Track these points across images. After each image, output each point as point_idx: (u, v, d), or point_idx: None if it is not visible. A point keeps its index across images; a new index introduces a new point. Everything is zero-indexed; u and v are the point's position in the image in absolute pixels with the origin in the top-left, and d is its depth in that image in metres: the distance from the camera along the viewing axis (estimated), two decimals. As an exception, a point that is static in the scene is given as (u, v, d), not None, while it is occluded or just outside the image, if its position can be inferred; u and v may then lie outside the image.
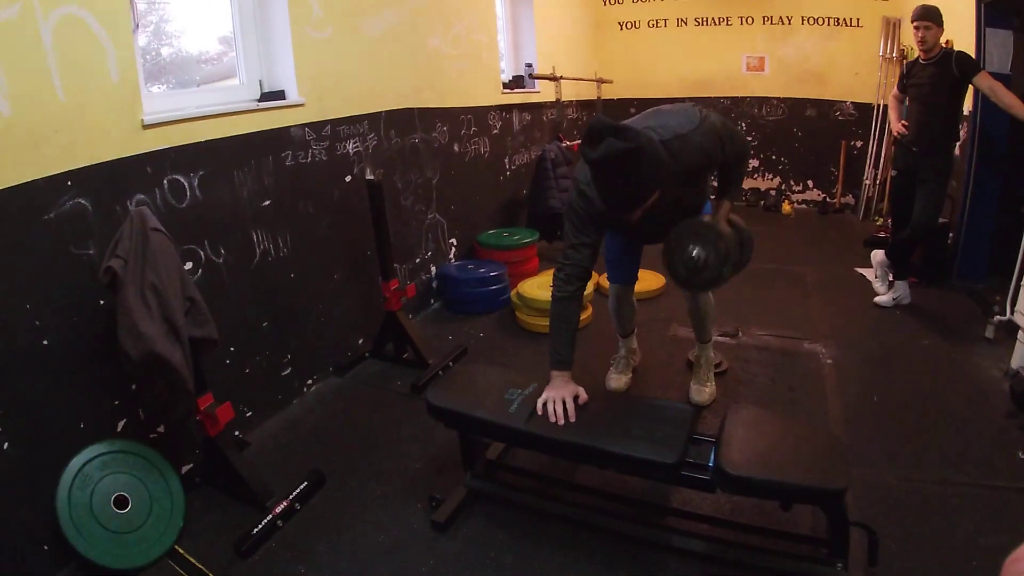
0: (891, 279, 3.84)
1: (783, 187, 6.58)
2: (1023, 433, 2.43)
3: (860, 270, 4.34)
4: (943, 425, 2.54)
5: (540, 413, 1.83)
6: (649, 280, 4.00)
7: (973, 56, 3.72)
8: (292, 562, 1.93)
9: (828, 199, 6.35)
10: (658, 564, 1.86)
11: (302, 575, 1.88)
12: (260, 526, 2.02)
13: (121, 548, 1.90)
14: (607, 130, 1.58)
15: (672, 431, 1.71)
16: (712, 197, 2.28)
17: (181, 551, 1.99)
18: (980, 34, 3.81)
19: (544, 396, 1.86)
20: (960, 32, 3.95)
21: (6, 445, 1.77)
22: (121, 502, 1.95)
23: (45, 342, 1.87)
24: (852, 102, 5.93)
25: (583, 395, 1.89)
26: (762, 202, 6.49)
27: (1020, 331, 2.84)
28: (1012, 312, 3.19)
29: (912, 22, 3.42)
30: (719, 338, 3.35)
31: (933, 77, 3.40)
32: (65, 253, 1.92)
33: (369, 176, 2.91)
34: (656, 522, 1.96)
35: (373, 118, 3.25)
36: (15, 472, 1.79)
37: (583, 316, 3.54)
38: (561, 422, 1.79)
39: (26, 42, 1.75)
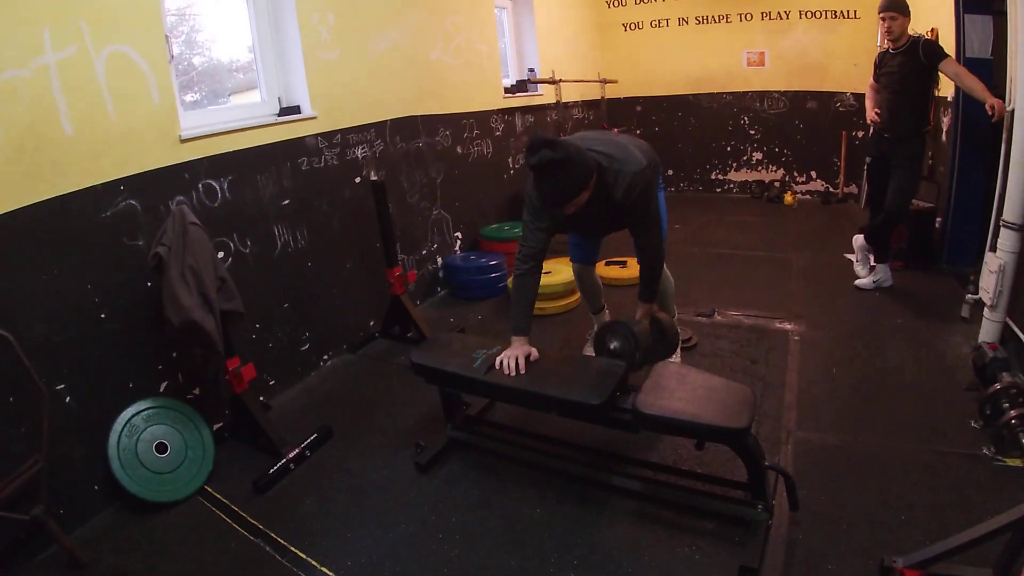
0: (872, 263, 4.01)
1: (786, 178, 6.74)
2: (980, 404, 2.51)
3: (848, 256, 4.52)
4: (900, 395, 2.71)
5: (497, 368, 2.20)
6: (636, 267, 4.29)
7: (953, 43, 3.85)
8: (300, 496, 2.36)
9: (831, 189, 6.49)
10: (601, 500, 2.19)
11: (307, 504, 2.30)
12: (275, 468, 2.46)
13: (160, 485, 2.35)
14: (544, 143, 2.00)
15: (602, 380, 2.04)
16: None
17: (210, 489, 2.43)
18: (959, 20, 3.88)
19: (502, 355, 2.23)
20: (940, 19, 4.08)
21: (68, 399, 2.22)
22: (161, 448, 2.39)
23: (102, 315, 2.33)
24: (852, 93, 6.03)
25: (535, 354, 2.25)
26: (765, 194, 6.67)
27: (986, 307, 3.01)
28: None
29: (879, 13, 3.55)
30: (695, 318, 3.64)
31: (902, 66, 3.53)
32: (119, 244, 2.39)
33: (373, 177, 3.31)
34: (602, 465, 2.29)
35: (379, 126, 3.67)
36: (74, 422, 2.24)
37: (570, 300, 3.87)
38: (513, 374, 2.15)
39: (83, 74, 2.21)
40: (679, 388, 2.01)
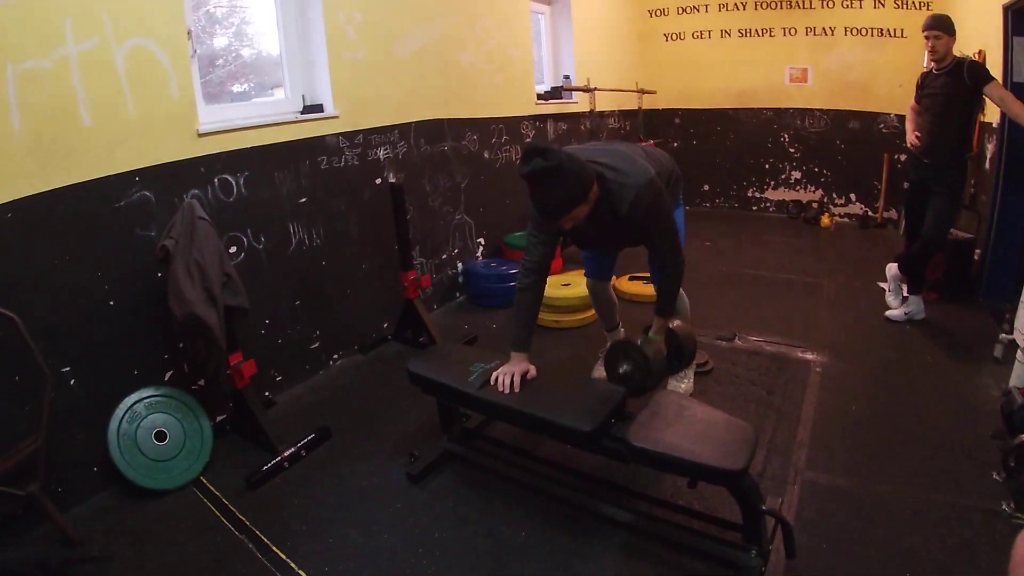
0: (905, 293, 3.83)
1: (824, 199, 6.52)
2: (1003, 455, 2.32)
3: (881, 284, 4.33)
4: (920, 439, 2.55)
5: (492, 384, 2.14)
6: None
7: (1000, 66, 3.67)
8: (290, 495, 2.36)
9: (870, 213, 6.24)
10: (590, 529, 2.10)
11: (296, 504, 2.30)
12: (269, 465, 2.46)
13: (156, 473, 2.38)
14: (537, 151, 1.91)
15: (597, 405, 1.96)
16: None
17: (204, 481, 2.46)
18: (1007, 43, 3.70)
19: (499, 370, 2.18)
20: (987, 41, 3.90)
21: (73, 382, 2.28)
22: (160, 436, 2.43)
23: (111, 303, 2.38)
24: (896, 114, 5.77)
25: (533, 372, 2.19)
26: (802, 214, 6.46)
27: (1019, 350, 2.83)
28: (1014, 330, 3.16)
29: (922, 32, 3.37)
30: (714, 341, 3.52)
31: (945, 87, 3.35)
32: (132, 234, 2.43)
33: (391, 179, 3.29)
34: (594, 493, 2.20)
35: (403, 128, 3.66)
36: (77, 405, 2.29)
37: (587, 314, 3.79)
38: (507, 391, 2.10)
39: (103, 66, 2.26)
40: (676, 421, 1.92)
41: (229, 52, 3.13)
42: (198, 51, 2.95)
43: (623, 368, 2.37)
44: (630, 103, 6.43)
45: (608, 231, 2.25)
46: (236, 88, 3.20)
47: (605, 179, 2.08)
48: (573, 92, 5.34)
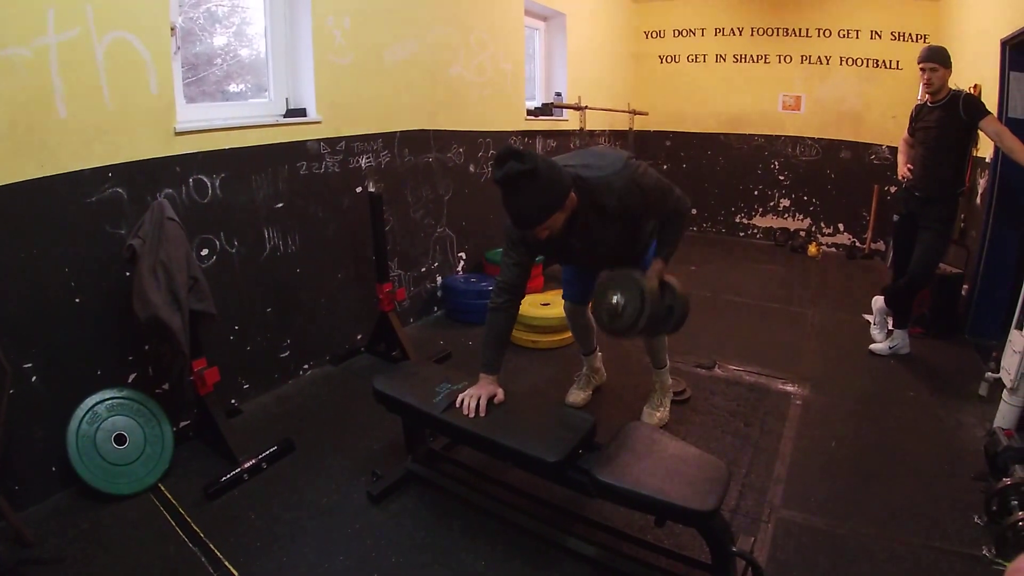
0: (890, 327, 3.80)
1: (812, 229, 6.52)
2: (986, 498, 2.22)
3: (867, 316, 4.31)
4: (901, 478, 2.49)
5: (457, 406, 2.07)
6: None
7: (996, 101, 3.67)
8: (247, 509, 2.27)
9: (858, 244, 6.26)
10: (552, 561, 2.02)
11: (252, 520, 2.21)
12: (228, 476, 2.38)
13: (114, 477, 2.30)
14: (511, 154, 1.82)
15: (565, 435, 1.89)
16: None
17: (163, 488, 2.37)
18: (1004, 78, 3.70)
19: (465, 392, 2.10)
20: (984, 75, 3.91)
21: (34, 379, 2.20)
22: (120, 440, 2.34)
23: (77, 300, 2.30)
24: (888, 146, 5.81)
25: (500, 395, 2.11)
26: (790, 242, 6.46)
27: (1005, 389, 2.79)
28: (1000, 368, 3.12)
29: (918, 64, 3.34)
30: (693, 368, 3.47)
31: (939, 120, 3.31)
32: (101, 231, 2.36)
33: (371, 189, 3.23)
34: (559, 524, 2.12)
35: (387, 137, 3.61)
36: (37, 402, 2.22)
37: (566, 335, 3.71)
38: (471, 415, 2.02)
39: (83, 58, 2.20)
40: (646, 455, 1.84)
41: (228, 52, 3.08)
42: (197, 48, 2.93)
43: (616, 298, 2.15)
44: (621, 123, 6.42)
45: (594, 238, 2.15)
46: (233, 88, 3.14)
47: (583, 179, 2.00)
48: (564, 110, 5.30)
